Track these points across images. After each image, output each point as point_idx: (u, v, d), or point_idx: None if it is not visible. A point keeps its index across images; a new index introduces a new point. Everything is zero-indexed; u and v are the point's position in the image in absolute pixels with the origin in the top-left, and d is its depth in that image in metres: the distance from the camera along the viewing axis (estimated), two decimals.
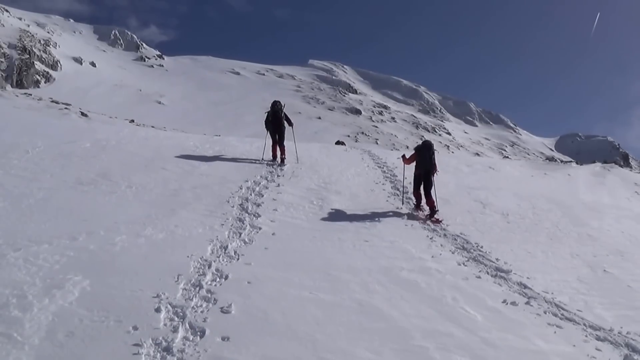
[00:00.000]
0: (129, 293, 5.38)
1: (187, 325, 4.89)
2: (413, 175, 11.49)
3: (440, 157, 16.22)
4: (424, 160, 11.26)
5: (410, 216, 10.79)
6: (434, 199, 11.03)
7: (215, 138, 18.07)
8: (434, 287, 6.80)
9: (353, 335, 5.17)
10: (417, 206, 11.22)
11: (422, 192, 11.25)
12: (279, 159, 14.02)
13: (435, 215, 10.81)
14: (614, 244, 10.59)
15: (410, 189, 11.70)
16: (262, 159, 14.13)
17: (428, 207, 11.01)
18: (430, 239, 9.33)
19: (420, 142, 12.01)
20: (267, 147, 14.35)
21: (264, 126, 14.19)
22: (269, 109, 14.16)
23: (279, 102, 14.37)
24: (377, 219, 10.17)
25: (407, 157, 11.82)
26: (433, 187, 11.21)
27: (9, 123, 15.98)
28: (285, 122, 14.12)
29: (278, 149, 14.10)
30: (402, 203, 11.56)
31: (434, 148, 11.76)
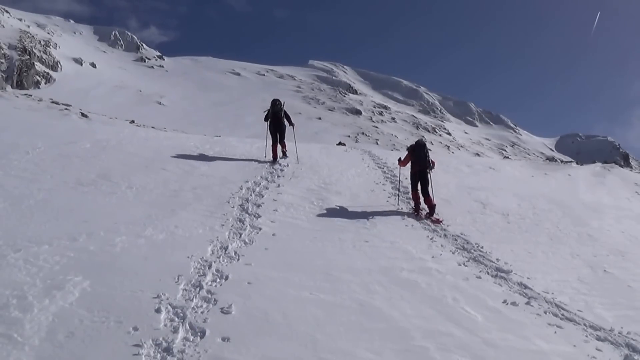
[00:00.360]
0: (129, 294, 5.38)
1: (187, 325, 4.89)
2: (410, 173, 11.56)
3: (440, 158, 16.24)
4: (418, 159, 11.38)
5: (410, 216, 10.81)
6: (432, 198, 11.07)
7: (215, 139, 18.08)
8: (434, 287, 6.80)
9: (353, 336, 5.17)
10: (417, 209, 11.21)
11: (419, 192, 11.27)
12: (280, 157, 14.09)
13: (435, 215, 10.84)
14: (615, 244, 10.59)
15: (405, 182, 11.78)
16: (265, 156, 14.18)
17: (427, 206, 11.04)
18: (431, 239, 9.33)
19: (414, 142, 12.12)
20: (268, 146, 14.37)
21: (264, 119, 14.19)
22: (269, 108, 14.13)
23: (279, 100, 14.31)
24: (377, 219, 10.17)
25: (402, 159, 11.87)
26: (430, 185, 11.29)
27: (9, 124, 15.98)
28: (285, 121, 14.11)
29: (279, 147, 14.13)
30: (398, 203, 11.59)
31: (427, 146, 11.93)
